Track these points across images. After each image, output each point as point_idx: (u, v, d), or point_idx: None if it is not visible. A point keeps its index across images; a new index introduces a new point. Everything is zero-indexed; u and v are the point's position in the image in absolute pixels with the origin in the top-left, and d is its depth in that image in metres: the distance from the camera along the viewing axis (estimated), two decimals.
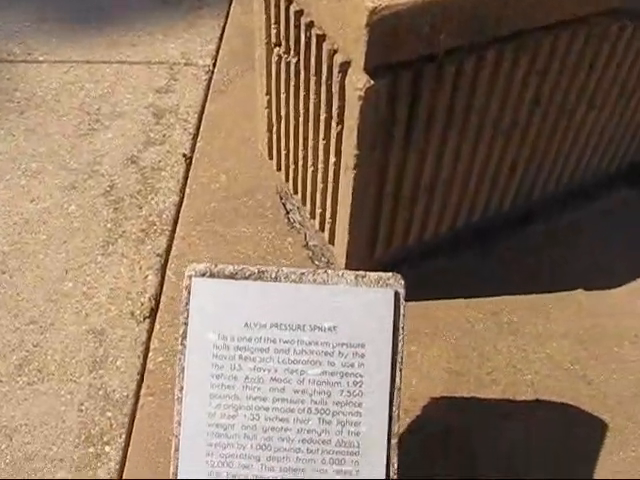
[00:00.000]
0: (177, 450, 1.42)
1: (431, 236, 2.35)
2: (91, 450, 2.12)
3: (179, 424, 1.42)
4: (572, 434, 2.12)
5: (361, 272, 1.44)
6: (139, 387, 2.26)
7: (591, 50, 2.11)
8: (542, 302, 2.47)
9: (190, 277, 1.45)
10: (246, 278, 1.44)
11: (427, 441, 2.08)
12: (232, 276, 1.45)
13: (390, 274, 1.44)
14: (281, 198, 2.71)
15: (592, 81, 2.23)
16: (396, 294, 1.44)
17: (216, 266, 1.44)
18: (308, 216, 2.47)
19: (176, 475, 1.42)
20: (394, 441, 1.42)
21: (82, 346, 2.36)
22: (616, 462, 2.06)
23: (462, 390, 2.20)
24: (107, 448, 2.13)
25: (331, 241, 2.30)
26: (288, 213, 2.65)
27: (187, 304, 1.44)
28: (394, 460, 1.42)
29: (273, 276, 1.44)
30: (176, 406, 1.42)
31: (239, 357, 1.43)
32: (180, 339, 1.44)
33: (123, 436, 2.15)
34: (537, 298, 2.48)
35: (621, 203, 2.85)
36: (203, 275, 1.45)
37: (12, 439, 2.11)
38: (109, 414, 2.20)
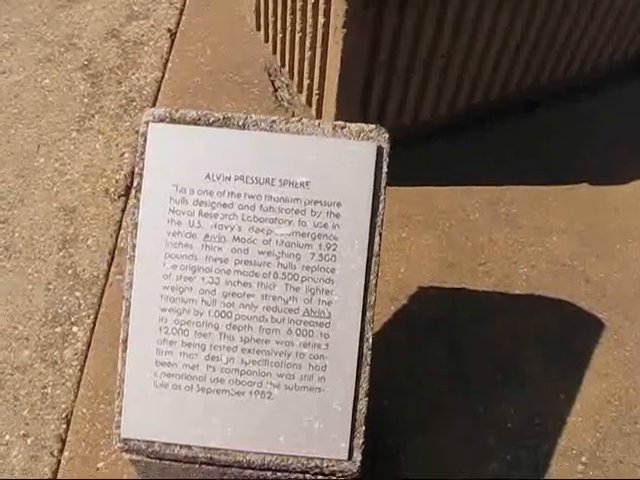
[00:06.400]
0: (128, 315, 1.28)
1: (428, 116, 2.17)
2: (58, 330, 2.02)
3: (130, 286, 1.28)
4: (566, 332, 2.01)
5: (340, 122, 1.27)
6: (110, 267, 2.13)
7: None
8: (543, 194, 2.31)
9: (147, 123, 1.28)
10: (210, 125, 1.28)
11: (413, 332, 1.96)
12: (194, 122, 1.28)
13: (373, 126, 1.27)
14: (269, 75, 2.52)
15: None
16: (379, 149, 1.27)
17: (177, 111, 1.27)
18: (295, 89, 2.28)
19: (126, 342, 1.28)
20: (369, 314, 1.28)
21: (52, 224, 2.23)
22: (609, 362, 1.96)
23: (452, 281, 2.07)
24: (74, 328, 2.03)
25: (319, 116, 2.12)
26: (276, 91, 2.46)
27: (143, 153, 1.27)
28: (368, 335, 1.28)
29: (240, 123, 1.27)
30: (127, 265, 1.28)
31: (199, 213, 1.27)
32: (134, 192, 1.28)
33: (92, 317, 2.04)
34: (538, 190, 2.32)
35: (635, 95, 2.65)
36: (162, 121, 1.28)
37: None
38: (78, 294, 2.09)
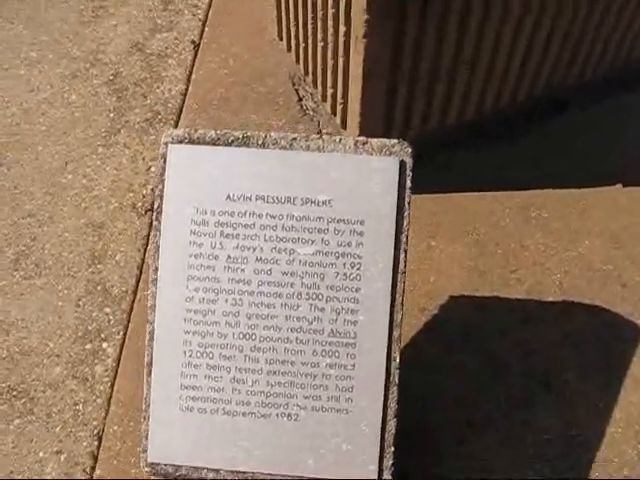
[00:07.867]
0: (152, 339, 1.26)
1: (454, 121, 2.13)
2: (88, 347, 2.02)
3: (153, 309, 1.27)
4: (603, 338, 1.95)
5: (362, 138, 1.25)
6: (138, 282, 2.13)
7: None
8: (575, 197, 2.26)
9: (166, 144, 1.26)
10: (229, 144, 1.26)
11: (445, 342, 1.92)
12: (214, 142, 1.26)
13: (395, 140, 1.24)
14: (294, 84, 2.50)
15: None
16: (402, 163, 1.25)
17: (196, 131, 1.26)
18: (320, 98, 2.26)
19: (151, 365, 1.27)
20: (396, 333, 1.25)
21: (81, 240, 2.24)
22: None
23: (484, 289, 2.03)
24: (105, 345, 2.03)
25: (344, 125, 2.09)
26: (301, 100, 2.44)
27: (163, 174, 1.26)
28: (396, 354, 1.25)
29: (260, 142, 1.25)
30: (151, 288, 1.26)
31: (220, 234, 1.25)
32: (155, 214, 1.26)
33: (121, 333, 2.04)
34: (569, 193, 2.26)
35: None
36: (181, 142, 1.27)
37: (8, 334, 2.02)
38: (107, 310, 2.09)
